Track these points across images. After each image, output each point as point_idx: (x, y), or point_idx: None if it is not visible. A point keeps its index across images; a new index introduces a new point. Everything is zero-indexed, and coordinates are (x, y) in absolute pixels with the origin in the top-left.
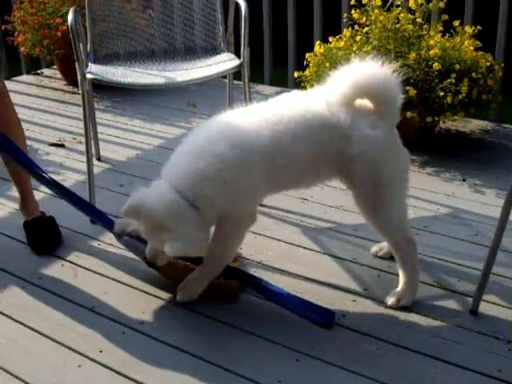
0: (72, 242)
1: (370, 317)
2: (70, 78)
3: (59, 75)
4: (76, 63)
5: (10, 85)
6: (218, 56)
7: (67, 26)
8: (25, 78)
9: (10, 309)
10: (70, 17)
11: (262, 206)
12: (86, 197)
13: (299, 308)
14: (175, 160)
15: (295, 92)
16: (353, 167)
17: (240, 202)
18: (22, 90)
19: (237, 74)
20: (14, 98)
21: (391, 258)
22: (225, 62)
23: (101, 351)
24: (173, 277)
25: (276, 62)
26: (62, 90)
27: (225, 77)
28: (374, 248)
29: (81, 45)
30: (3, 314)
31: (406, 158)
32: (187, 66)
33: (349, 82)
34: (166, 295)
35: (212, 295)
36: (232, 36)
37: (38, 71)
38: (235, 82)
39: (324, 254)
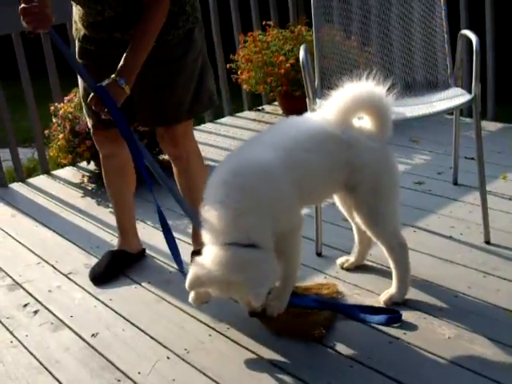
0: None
1: None
2: (291, 113)
3: (280, 111)
4: (307, 99)
5: (233, 120)
6: (447, 91)
7: (290, 64)
8: (247, 113)
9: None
10: (302, 54)
11: (492, 244)
12: (313, 231)
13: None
14: (208, 217)
15: (292, 116)
16: (358, 176)
17: (284, 217)
18: (245, 126)
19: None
20: (238, 133)
21: (356, 268)
22: (455, 97)
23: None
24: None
25: (499, 98)
26: None
27: (450, 113)
28: (340, 260)
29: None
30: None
31: (397, 170)
32: (415, 101)
33: (350, 97)
34: (394, 331)
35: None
36: (460, 70)
37: (260, 107)
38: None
39: None
